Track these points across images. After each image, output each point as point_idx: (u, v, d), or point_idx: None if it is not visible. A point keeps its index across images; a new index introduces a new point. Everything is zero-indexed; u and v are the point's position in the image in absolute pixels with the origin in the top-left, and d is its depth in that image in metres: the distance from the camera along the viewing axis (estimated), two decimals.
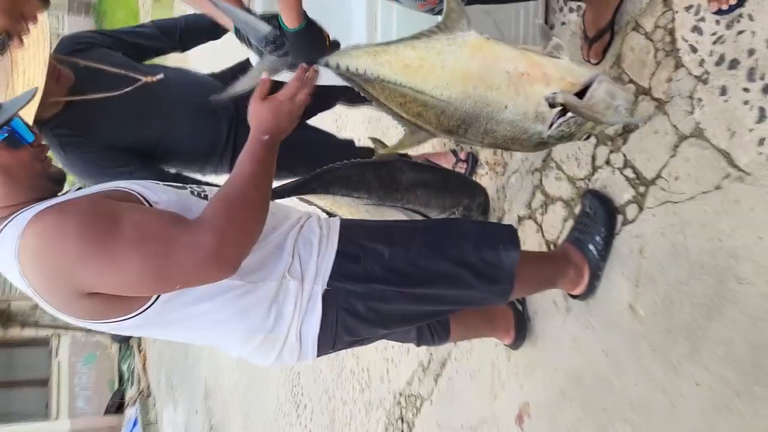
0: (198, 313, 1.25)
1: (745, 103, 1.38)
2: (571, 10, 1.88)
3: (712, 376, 1.43)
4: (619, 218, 1.69)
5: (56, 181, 1.25)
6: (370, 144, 2.04)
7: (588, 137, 1.43)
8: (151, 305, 1.17)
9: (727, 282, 1.41)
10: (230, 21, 1.42)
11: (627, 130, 1.67)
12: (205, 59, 3.66)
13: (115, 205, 1.13)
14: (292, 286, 1.32)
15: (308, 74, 1.26)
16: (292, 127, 1.27)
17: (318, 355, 1.43)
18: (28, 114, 1.48)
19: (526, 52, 1.30)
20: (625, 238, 1.68)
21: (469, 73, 1.29)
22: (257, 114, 1.24)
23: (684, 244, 1.52)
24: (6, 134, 1.14)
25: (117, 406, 10.54)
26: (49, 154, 1.26)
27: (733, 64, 1.41)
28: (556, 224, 1.92)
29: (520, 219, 2.08)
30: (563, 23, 1.90)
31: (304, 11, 1.23)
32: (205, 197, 1.32)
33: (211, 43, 2.14)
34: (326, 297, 1.35)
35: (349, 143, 2.33)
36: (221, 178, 1.51)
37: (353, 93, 1.37)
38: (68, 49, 1.87)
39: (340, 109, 2.68)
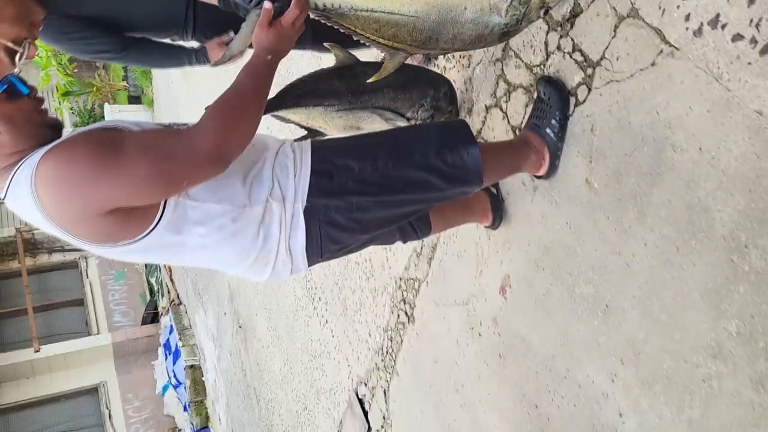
0: (195, 237, 1.43)
1: None
2: None
3: (656, 235, 1.60)
4: (572, 100, 1.81)
5: (55, 129, 1.37)
6: None
7: (546, 12, 1.54)
8: (153, 228, 1.34)
9: (665, 150, 1.55)
10: None
11: (573, 14, 1.75)
12: None
13: (114, 131, 1.29)
14: (276, 207, 1.49)
15: (302, 3, 1.37)
16: (289, 49, 1.41)
17: (309, 265, 1.61)
18: None
19: None
20: (578, 119, 1.80)
21: None
22: (264, 37, 1.37)
23: (627, 119, 1.64)
24: (5, 85, 1.27)
25: (152, 317, 11.13)
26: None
27: None
28: (519, 110, 2.04)
29: (487, 108, 2.19)
30: None
31: None
32: None
33: None
34: (307, 213, 1.52)
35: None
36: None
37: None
38: None
39: None
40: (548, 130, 1.82)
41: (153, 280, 11.33)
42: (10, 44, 1.27)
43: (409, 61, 2.37)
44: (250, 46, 1.46)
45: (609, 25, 1.65)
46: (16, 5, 1.29)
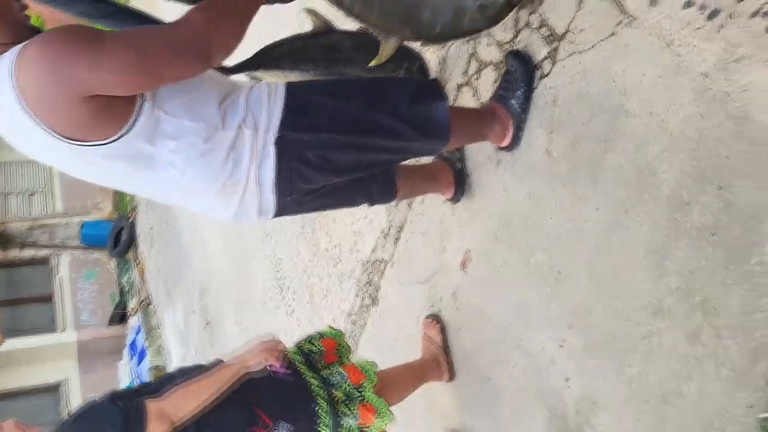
0: (165, 153, 1.43)
1: None
2: None
3: (607, 199, 1.67)
4: (537, 73, 1.89)
5: (36, 30, 1.40)
6: None
7: None
8: (126, 132, 1.34)
9: (619, 116, 1.62)
10: None
11: None
12: None
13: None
14: (248, 134, 1.50)
15: None
16: None
17: (278, 206, 1.61)
18: None
19: None
20: (542, 91, 1.88)
21: None
22: None
23: (587, 89, 1.72)
24: None
25: (120, 317, 10.97)
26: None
27: None
28: (489, 88, 2.11)
29: (459, 86, 2.27)
30: None
31: None
32: None
33: None
34: (279, 145, 1.53)
35: None
36: None
37: None
38: None
39: None
40: (513, 102, 1.90)
41: (124, 281, 11.21)
42: None
43: None
44: None
45: (574, 0, 1.73)
46: None
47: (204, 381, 1.82)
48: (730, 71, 1.34)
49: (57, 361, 10.38)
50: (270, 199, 1.59)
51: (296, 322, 3.96)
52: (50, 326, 11.19)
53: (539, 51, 1.88)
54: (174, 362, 8.09)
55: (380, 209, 2.85)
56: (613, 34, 1.63)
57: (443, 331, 2.40)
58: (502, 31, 2.02)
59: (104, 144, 1.35)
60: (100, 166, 1.42)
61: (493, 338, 2.13)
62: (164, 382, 1.90)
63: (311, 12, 1.99)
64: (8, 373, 10.13)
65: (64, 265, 11.92)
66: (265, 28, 3.58)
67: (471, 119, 1.93)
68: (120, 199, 11.47)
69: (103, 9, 2.08)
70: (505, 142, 1.97)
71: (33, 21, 1.56)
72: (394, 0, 1.65)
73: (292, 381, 1.98)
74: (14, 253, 11.97)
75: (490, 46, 2.09)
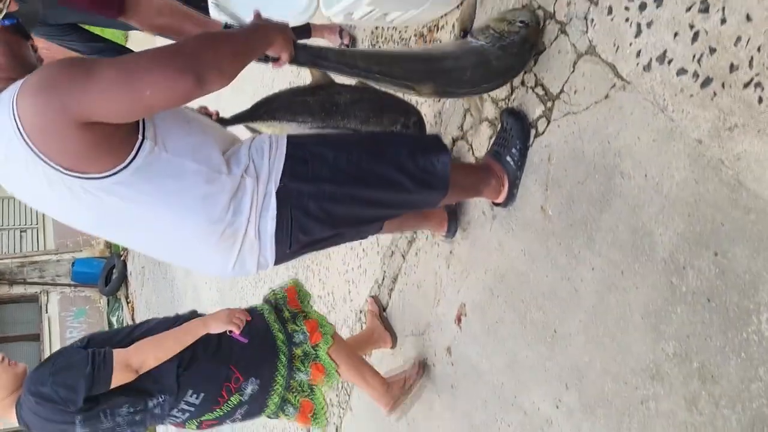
0: (164, 192, 1.40)
1: (626, 20, 1.58)
2: None
3: (603, 260, 1.67)
4: (532, 132, 1.90)
5: None
6: None
7: (523, 23, 1.79)
8: (124, 167, 1.32)
9: (614, 178, 1.63)
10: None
11: (537, 52, 1.87)
12: None
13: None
14: (249, 183, 1.49)
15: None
16: (276, 41, 1.50)
17: (277, 257, 1.59)
18: None
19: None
20: (537, 149, 1.89)
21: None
22: (274, 23, 1.52)
23: (581, 148, 1.73)
24: (15, 21, 1.41)
25: None
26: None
27: None
28: (484, 143, 2.13)
29: (454, 140, 2.28)
30: None
31: None
32: None
33: None
34: (280, 195, 1.52)
35: None
36: None
37: None
38: None
39: None
40: (509, 158, 1.91)
41: (114, 320, 11.09)
42: None
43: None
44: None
45: (569, 62, 1.76)
46: None
47: (170, 335, 2.10)
48: (723, 139, 1.35)
49: None
50: (269, 252, 1.57)
51: None
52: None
53: (534, 109, 1.90)
54: None
55: (375, 259, 2.84)
56: (607, 96, 1.64)
57: (380, 305, 2.79)
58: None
59: (101, 177, 1.32)
60: (94, 204, 1.37)
61: (488, 395, 2.10)
62: (139, 328, 2.21)
63: (312, 65, 2.01)
64: None
65: (53, 303, 11.79)
66: (263, 79, 3.64)
67: (467, 174, 1.94)
68: None
69: (93, 46, 2.12)
70: (500, 198, 1.97)
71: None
72: (413, 57, 1.71)
73: (261, 336, 2.27)
74: (3, 290, 11.84)
75: (485, 102, 2.11)
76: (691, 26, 1.41)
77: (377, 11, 2.10)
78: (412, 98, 2.48)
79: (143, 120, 1.36)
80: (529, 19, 1.80)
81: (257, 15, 1.54)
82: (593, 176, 1.69)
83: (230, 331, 2.19)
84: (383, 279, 2.77)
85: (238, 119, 1.99)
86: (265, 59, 1.57)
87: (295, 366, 2.29)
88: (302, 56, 1.61)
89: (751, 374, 1.32)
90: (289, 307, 2.41)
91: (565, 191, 1.79)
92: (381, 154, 1.64)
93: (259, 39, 1.44)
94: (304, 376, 2.30)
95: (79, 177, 1.30)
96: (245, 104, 1.99)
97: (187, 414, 2.16)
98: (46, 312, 11.73)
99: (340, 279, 3.18)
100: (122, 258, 10.67)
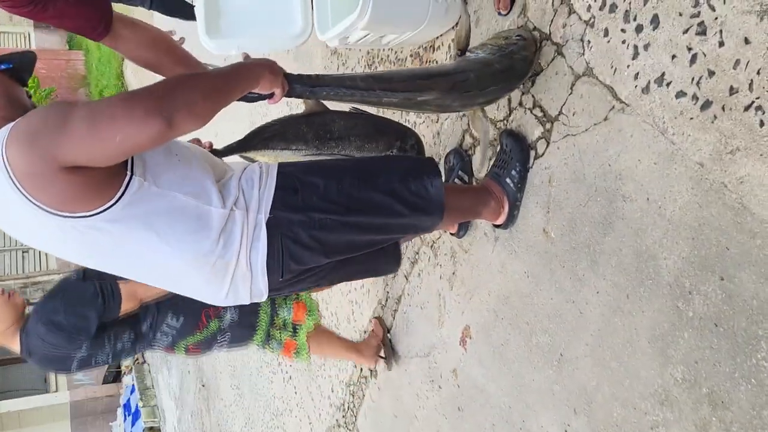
0: (155, 227, 1.40)
1: (623, 42, 1.57)
2: None
3: (607, 283, 1.65)
4: (532, 153, 1.89)
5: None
6: None
7: (519, 36, 1.79)
8: (113, 204, 1.33)
9: (616, 201, 1.62)
10: None
11: (534, 73, 1.86)
12: None
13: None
14: (239, 216, 1.49)
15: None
16: (260, 84, 1.48)
17: (270, 286, 1.58)
18: None
19: None
20: (537, 171, 1.88)
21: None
22: (258, 60, 1.51)
23: (582, 171, 1.72)
24: (11, 65, 1.43)
25: (114, 376, 10.80)
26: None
27: (613, 8, 1.59)
28: (483, 163, 2.12)
29: None
30: None
31: None
32: None
33: None
34: (270, 226, 1.52)
35: None
36: None
37: None
38: None
39: None
40: (508, 180, 1.89)
41: None
42: None
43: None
44: None
45: (566, 83, 1.74)
46: None
47: None
48: (725, 162, 1.34)
49: (49, 423, 10.16)
50: (262, 281, 1.57)
51: (293, 389, 3.89)
52: (43, 386, 11.00)
53: (533, 131, 1.88)
54: (168, 422, 7.92)
55: (377, 280, 2.83)
56: (606, 119, 1.63)
57: (384, 327, 2.81)
58: (495, 109, 2.04)
59: (90, 215, 1.32)
60: (84, 239, 1.38)
61: (496, 418, 2.08)
62: None
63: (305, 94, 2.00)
64: None
65: None
66: (255, 108, 3.63)
67: (466, 196, 1.93)
68: None
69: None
70: (500, 220, 1.96)
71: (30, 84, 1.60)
72: (413, 73, 1.71)
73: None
74: None
75: (486, 121, 2.10)
76: (689, 48, 1.40)
77: (372, 35, 2.09)
78: (410, 119, 2.47)
79: (132, 156, 1.36)
80: (525, 35, 1.79)
81: (246, 57, 1.54)
82: (595, 199, 1.68)
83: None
84: (386, 300, 2.75)
85: (231, 150, 1.98)
86: (259, 97, 1.56)
87: (277, 304, 2.53)
88: (298, 88, 1.60)
89: (762, 400, 1.30)
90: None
91: (567, 213, 1.77)
92: (372, 180, 1.63)
93: (239, 77, 1.42)
94: (287, 314, 2.53)
95: (69, 216, 1.31)
96: (243, 131, 1.99)
97: (170, 337, 2.34)
98: None
99: (344, 299, 3.17)
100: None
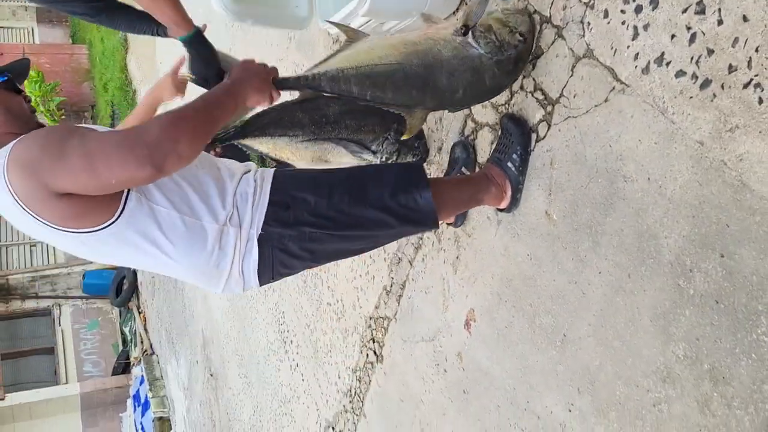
0: (153, 240, 1.50)
1: (623, 23, 1.57)
2: None
3: (609, 263, 1.67)
4: (534, 136, 1.90)
5: (39, 125, 1.53)
6: None
7: (521, 35, 1.76)
8: (113, 221, 1.41)
9: (617, 181, 1.63)
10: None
11: (534, 56, 1.86)
12: None
13: (80, 127, 1.37)
14: (232, 232, 1.58)
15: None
16: (251, 96, 1.54)
17: (261, 284, 1.69)
18: None
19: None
20: (539, 154, 1.89)
21: (399, 43, 1.72)
22: (244, 76, 1.53)
23: (583, 152, 1.73)
24: (6, 78, 1.48)
25: (123, 367, 10.87)
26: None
27: None
28: (485, 148, 2.13)
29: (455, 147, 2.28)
30: None
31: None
32: None
33: None
34: (262, 239, 1.61)
35: None
36: None
37: None
38: None
39: None
40: (510, 164, 1.91)
41: (127, 330, 11.14)
42: None
43: None
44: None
45: (567, 65, 1.75)
46: None
47: None
48: (725, 140, 1.35)
49: (60, 414, 10.25)
50: (253, 282, 1.67)
51: (300, 376, 3.92)
52: (53, 378, 11.09)
53: (534, 114, 1.89)
54: (178, 412, 7.99)
55: (382, 266, 2.84)
56: (606, 100, 1.64)
57: None
58: None
59: (93, 231, 1.40)
60: (90, 245, 1.47)
61: (501, 400, 2.10)
62: None
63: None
64: (10, 429, 9.99)
65: (65, 316, 11.86)
66: None
67: (464, 189, 1.93)
68: None
69: (94, 6, 2.07)
70: (503, 204, 1.97)
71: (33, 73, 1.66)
72: (407, 75, 1.70)
73: None
74: (16, 305, 11.92)
75: (485, 108, 2.11)
76: (688, 28, 1.41)
77: (374, 21, 2.10)
78: None
79: None
80: (527, 31, 1.77)
81: (243, 62, 1.61)
82: (596, 180, 1.69)
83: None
84: (391, 286, 2.77)
85: (229, 137, 1.99)
86: None
87: None
88: (284, 87, 1.68)
89: (763, 375, 1.31)
90: None
91: (569, 195, 1.78)
92: (362, 195, 1.68)
93: (223, 108, 1.45)
94: None
95: (73, 232, 1.40)
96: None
97: None
98: (59, 325, 11.81)
99: (349, 286, 3.19)
100: (132, 269, 10.70)
